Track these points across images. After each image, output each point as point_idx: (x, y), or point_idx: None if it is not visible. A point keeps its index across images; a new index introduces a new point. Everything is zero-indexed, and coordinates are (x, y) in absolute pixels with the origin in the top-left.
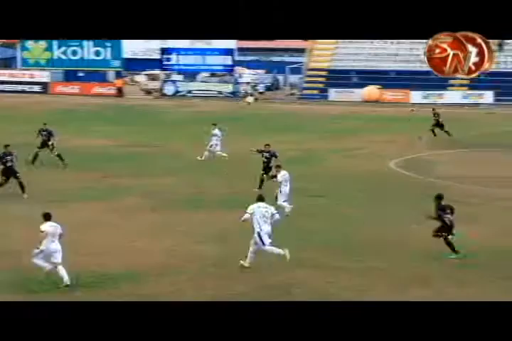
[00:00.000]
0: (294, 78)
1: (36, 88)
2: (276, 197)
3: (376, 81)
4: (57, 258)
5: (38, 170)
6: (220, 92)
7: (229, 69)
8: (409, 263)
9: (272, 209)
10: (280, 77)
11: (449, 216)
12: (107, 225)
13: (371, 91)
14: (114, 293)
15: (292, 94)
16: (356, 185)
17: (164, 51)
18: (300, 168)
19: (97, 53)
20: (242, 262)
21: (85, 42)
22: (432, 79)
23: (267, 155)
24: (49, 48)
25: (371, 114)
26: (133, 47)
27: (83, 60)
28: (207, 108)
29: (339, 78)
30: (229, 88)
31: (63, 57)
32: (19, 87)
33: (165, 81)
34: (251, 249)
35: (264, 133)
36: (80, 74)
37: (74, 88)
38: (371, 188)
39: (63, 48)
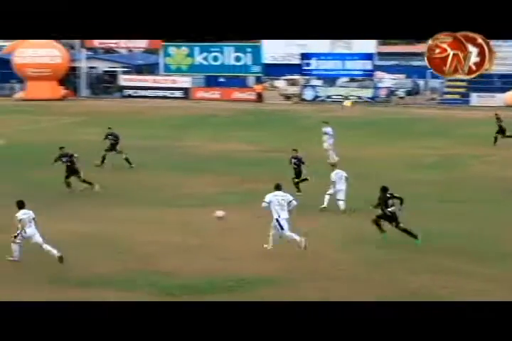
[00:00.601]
0: (434, 83)
1: (177, 93)
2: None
3: None
4: (37, 239)
5: (174, 174)
6: (359, 97)
7: (369, 74)
8: None
9: (289, 197)
10: (421, 82)
11: (390, 209)
12: (245, 230)
13: None
14: (252, 298)
15: (433, 99)
16: (496, 191)
17: (304, 56)
18: (440, 174)
19: (238, 59)
20: (265, 245)
21: (226, 48)
22: None
23: (295, 161)
24: (191, 54)
25: None
26: (273, 53)
27: (224, 65)
28: (346, 113)
29: (481, 82)
30: (368, 93)
31: (204, 62)
32: (161, 93)
33: (304, 86)
34: (270, 232)
35: (403, 138)
36: (221, 80)
37: (214, 93)
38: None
39: (204, 54)
